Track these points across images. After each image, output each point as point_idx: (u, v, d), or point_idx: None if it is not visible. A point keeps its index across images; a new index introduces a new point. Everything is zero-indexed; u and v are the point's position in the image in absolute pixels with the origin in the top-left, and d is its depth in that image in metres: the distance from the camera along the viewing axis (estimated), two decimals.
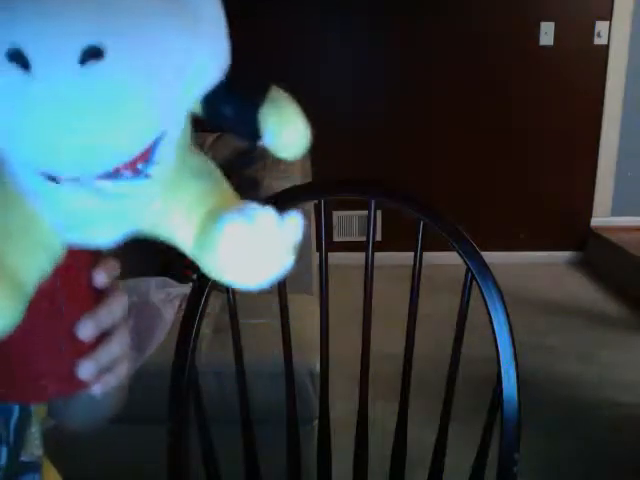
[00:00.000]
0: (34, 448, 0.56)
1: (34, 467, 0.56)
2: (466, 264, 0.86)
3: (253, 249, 0.38)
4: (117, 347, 0.46)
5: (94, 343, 0.44)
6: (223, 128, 0.42)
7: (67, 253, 0.41)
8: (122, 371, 0.47)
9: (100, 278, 0.44)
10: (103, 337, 0.45)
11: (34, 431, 0.56)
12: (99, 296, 0.45)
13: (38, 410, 0.58)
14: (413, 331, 0.92)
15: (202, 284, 0.90)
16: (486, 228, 3.48)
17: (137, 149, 0.34)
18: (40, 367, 0.43)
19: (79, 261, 0.43)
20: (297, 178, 2.09)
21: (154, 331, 1.63)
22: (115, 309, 0.45)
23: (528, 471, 1.83)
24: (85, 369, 0.43)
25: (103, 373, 0.45)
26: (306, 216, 1.73)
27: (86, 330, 0.43)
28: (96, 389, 0.44)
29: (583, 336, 2.69)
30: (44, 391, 0.44)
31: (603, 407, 2.15)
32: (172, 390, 0.87)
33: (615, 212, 3.59)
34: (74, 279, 0.43)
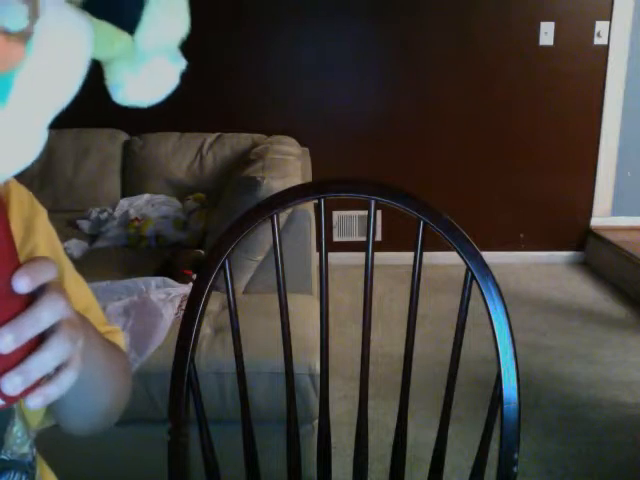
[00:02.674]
0: (16, 446, 0.55)
1: (17, 465, 0.55)
2: (466, 264, 0.86)
3: None
4: (51, 355, 0.40)
5: (25, 350, 0.39)
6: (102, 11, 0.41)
7: None
8: (67, 380, 0.41)
9: (22, 283, 0.38)
10: (37, 343, 0.39)
11: (16, 429, 0.55)
12: (26, 299, 0.39)
13: (29, 411, 0.57)
14: (413, 331, 0.92)
15: (202, 284, 0.90)
16: (486, 228, 3.48)
17: None
18: None
19: None
20: (297, 178, 2.09)
21: (154, 331, 1.63)
22: (44, 315, 0.39)
23: (528, 471, 1.83)
24: (9, 382, 0.38)
25: (38, 385, 0.40)
26: (306, 216, 1.75)
27: (2, 342, 0.37)
28: (31, 402, 0.39)
29: (583, 336, 2.69)
30: None
31: (603, 407, 2.15)
32: (172, 390, 0.87)
33: (615, 212, 3.59)
34: None
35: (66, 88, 0.39)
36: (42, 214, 0.65)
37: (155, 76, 0.44)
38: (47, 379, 0.40)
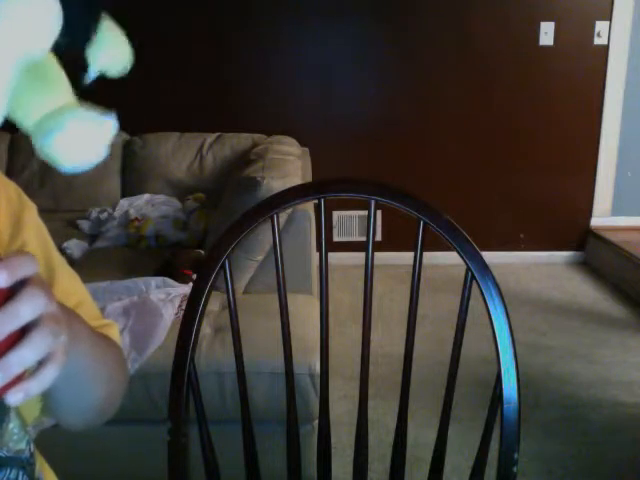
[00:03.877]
0: (12, 443, 0.55)
1: (13, 461, 0.55)
2: (466, 264, 0.86)
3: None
4: (32, 350, 0.39)
5: (5, 345, 0.39)
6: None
7: None
8: (48, 375, 0.41)
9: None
10: (18, 338, 0.39)
11: (12, 426, 0.55)
12: (6, 294, 0.39)
13: (25, 407, 0.57)
14: (413, 331, 0.92)
15: (202, 284, 0.90)
16: (486, 228, 3.48)
17: None
18: None
19: None
20: (297, 178, 2.09)
21: (154, 331, 1.63)
22: (23, 310, 0.39)
23: (528, 471, 1.83)
24: None
25: (19, 380, 0.40)
26: (306, 216, 1.75)
27: None
28: (12, 398, 0.39)
29: (583, 336, 2.69)
30: None
31: (603, 407, 2.15)
32: (172, 390, 0.87)
33: (615, 212, 3.59)
34: None
35: (33, 39, 0.40)
36: (31, 209, 0.64)
37: (82, 136, 0.45)
38: (29, 374, 0.40)
